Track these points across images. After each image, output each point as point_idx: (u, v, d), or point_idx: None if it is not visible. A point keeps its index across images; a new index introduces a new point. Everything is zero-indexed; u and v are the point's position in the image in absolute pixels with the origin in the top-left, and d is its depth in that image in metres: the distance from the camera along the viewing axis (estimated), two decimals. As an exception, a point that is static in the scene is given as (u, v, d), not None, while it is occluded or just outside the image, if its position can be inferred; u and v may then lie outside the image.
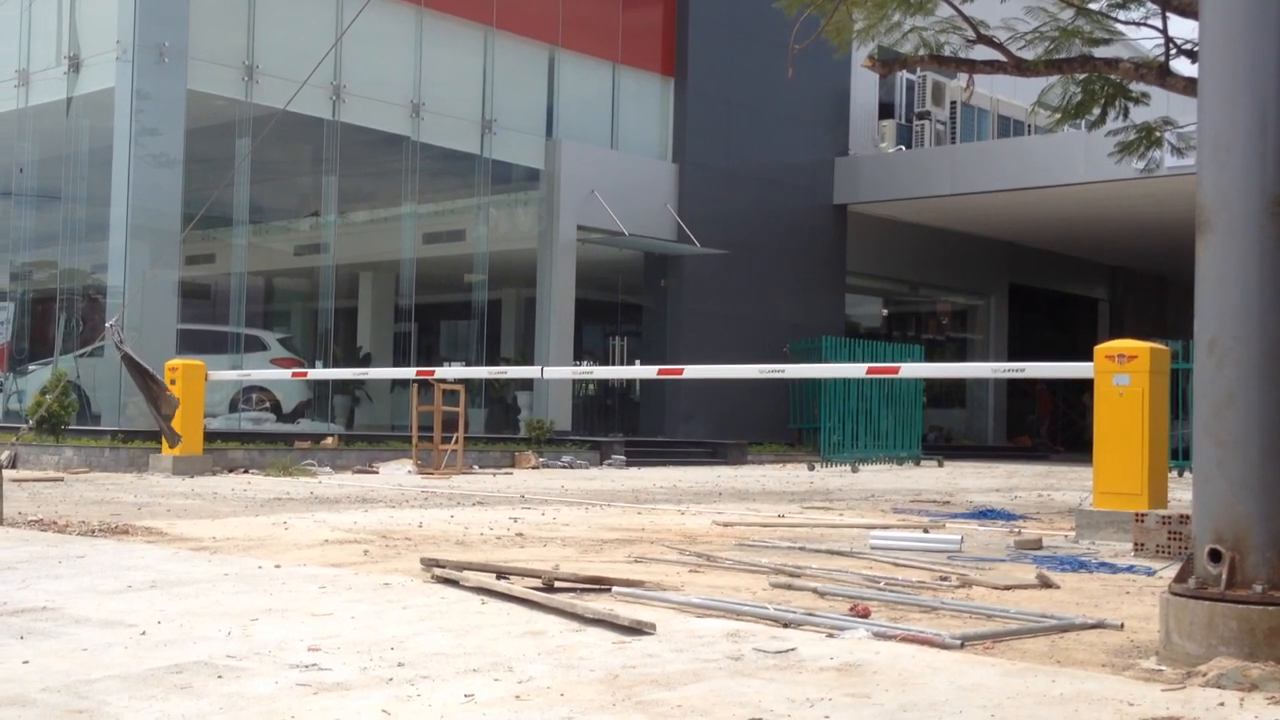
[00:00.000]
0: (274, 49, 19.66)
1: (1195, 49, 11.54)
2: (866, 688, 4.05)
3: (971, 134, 30.84)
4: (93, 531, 8.45)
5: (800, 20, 12.95)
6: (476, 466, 18.99)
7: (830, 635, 4.94)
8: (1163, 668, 4.42)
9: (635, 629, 4.89)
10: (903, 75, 29.19)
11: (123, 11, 18.66)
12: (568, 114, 23.88)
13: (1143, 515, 8.23)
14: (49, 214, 20.83)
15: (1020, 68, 12.71)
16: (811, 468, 21.97)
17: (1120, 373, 9.09)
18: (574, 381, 24.19)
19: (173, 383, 15.49)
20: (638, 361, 23.71)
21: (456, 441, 17.97)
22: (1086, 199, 26.65)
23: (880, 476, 19.95)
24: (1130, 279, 37.63)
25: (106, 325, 14.40)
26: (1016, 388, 34.41)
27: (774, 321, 26.47)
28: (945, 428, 32.93)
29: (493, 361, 25.52)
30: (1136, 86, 13.14)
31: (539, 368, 15.48)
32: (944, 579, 6.73)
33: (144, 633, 4.80)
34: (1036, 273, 34.61)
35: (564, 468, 20.16)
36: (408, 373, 17.62)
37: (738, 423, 24.78)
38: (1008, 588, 6.45)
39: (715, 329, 25.15)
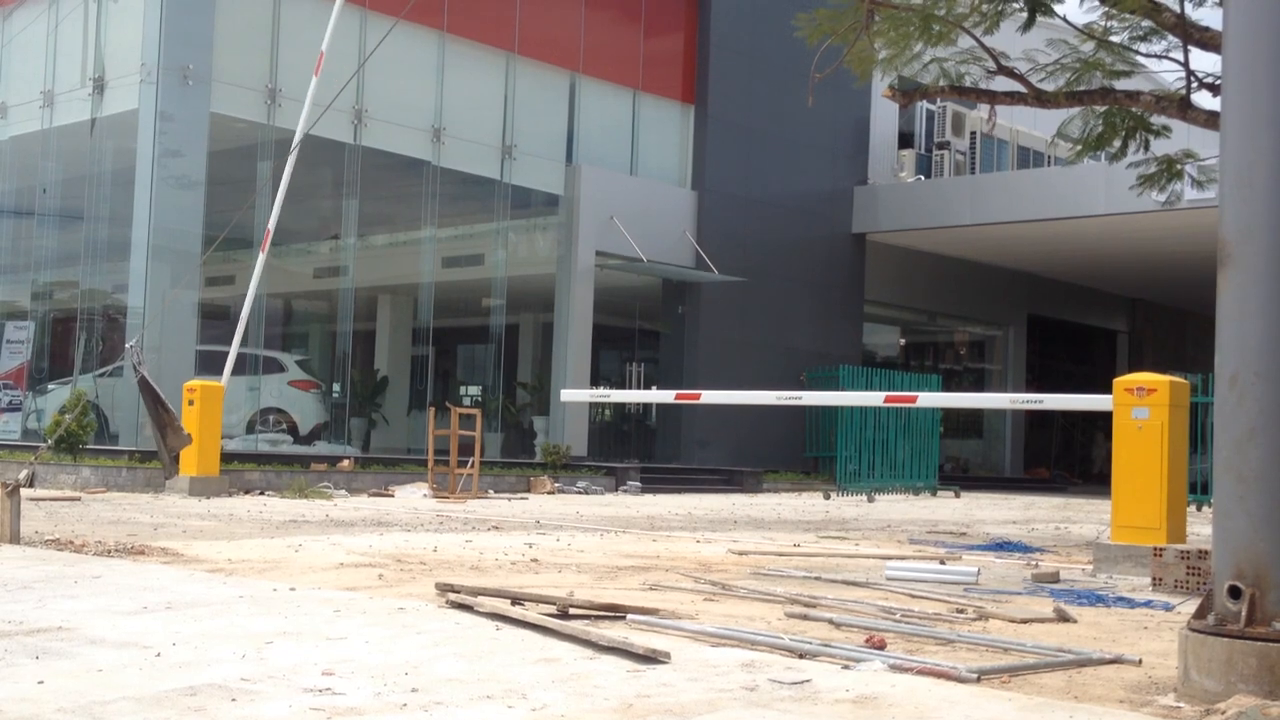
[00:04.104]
0: (297, 73, 19.77)
1: (1217, 83, 11.55)
2: (882, 720, 4.03)
3: (991, 164, 30.84)
4: (109, 552, 8.46)
5: (821, 49, 12.98)
6: (492, 491, 18.98)
7: (846, 666, 4.91)
8: (1181, 705, 4.38)
9: (650, 657, 4.87)
10: (923, 105, 29.24)
11: (147, 34, 18.81)
12: (588, 140, 23.96)
13: (1161, 550, 8.18)
14: (71, 234, 20.96)
15: (1041, 99, 12.71)
16: (827, 497, 21.90)
17: (1139, 406, 9.05)
18: (590, 407, 24.18)
19: (190, 404, 15.53)
20: (654, 387, 23.70)
21: (472, 466, 17.96)
22: (1106, 231, 26.61)
23: (896, 506, 19.87)
24: (1150, 311, 37.52)
25: (126, 346, 14.47)
26: (1034, 419, 34.30)
27: (791, 350, 26.46)
28: (962, 458, 32.85)
29: (510, 388, 25.55)
30: (1157, 119, 13.12)
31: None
32: (960, 611, 6.69)
33: (159, 654, 4.80)
34: (1056, 304, 34.54)
35: (579, 493, 20.14)
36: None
37: (754, 450, 24.74)
38: (1025, 621, 6.41)
39: (732, 356, 25.14)
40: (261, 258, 16.71)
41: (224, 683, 4.34)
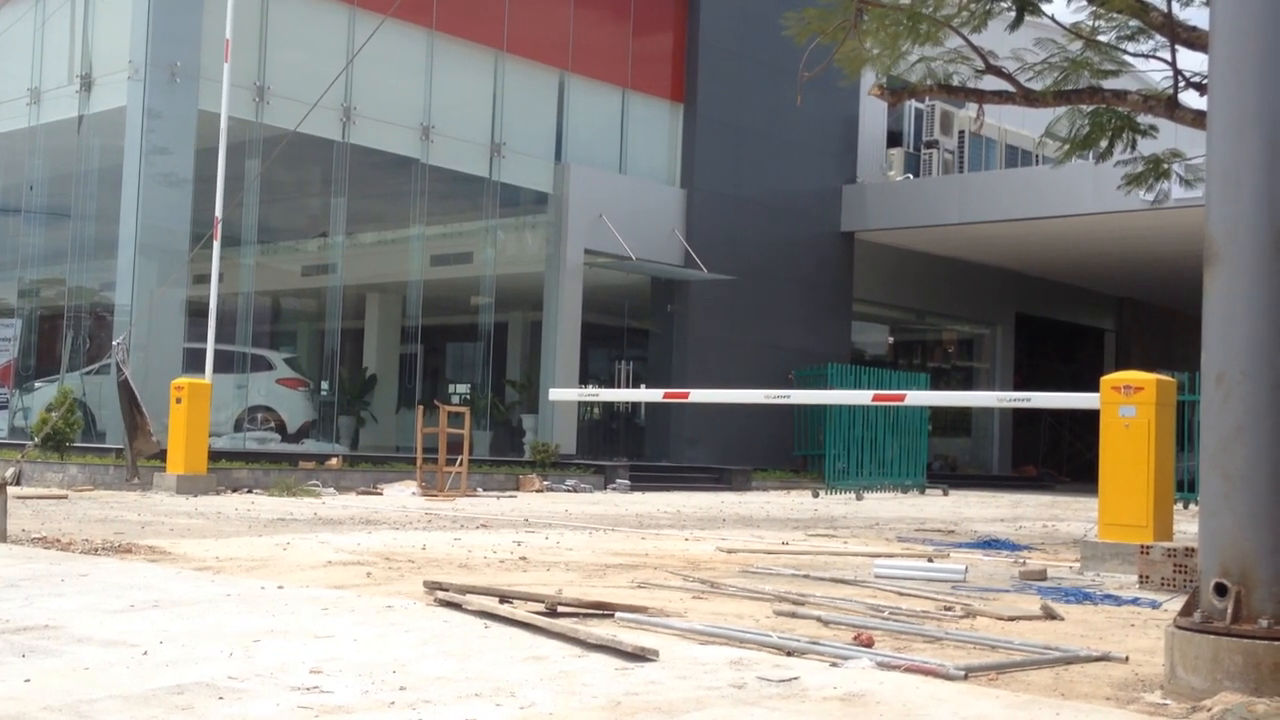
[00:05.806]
0: (285, 70, 19.74)
1: (1204, 82, 11.57)
2: (870, 718, 4.04)
3: (979, 163, 30.90)
4: (96, 550, 8.44)
5: (810, 48, 12.99)
6: (480, 489, 18.96)
7: (834, 664, 4.91)
8: (1168, 702, 4.40)
9: (638, 655, 4.87)
10: (911, 104, 29.28)
11: (135, 32, 18.76)
12: (577, 138, 23.94)
13: (1148, 547, 8.20)
14: (58, 231, 20.90)
15: (1029, 98, 12.73)
16: (816, 495, 21.92)
17: (1126, 404, 9.07)
18: (579, 405, 24.18)
19: (178, 401, 15.50)
20: (643, 385, 23.71)
21: (461, 464, 17.95)
22: (1094, 230, 26.68)
23: (885, 504, 19.90)
24: (1137, 310, 37.63)
25: (113, 343, 14.44)
26: (1022, 417, 34.39)
27: (780, 348, 26.49)
28: (950, 456, 32.91)
29: (498, 386, 25.52)
30: (1144, 119, 13.15)
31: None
32: (948, 609, 6.71)
33: (146, 652, 4.79)
34: (1043, 302, 34.62)
35: (568, 491, 20.14)
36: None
37: (742, 449, 24.76)
38: (1012, 619, 6.43)
39: (721, 355, 25.15)
40: (216, 246, 16.70)
41: (211, 681, 4.33)
